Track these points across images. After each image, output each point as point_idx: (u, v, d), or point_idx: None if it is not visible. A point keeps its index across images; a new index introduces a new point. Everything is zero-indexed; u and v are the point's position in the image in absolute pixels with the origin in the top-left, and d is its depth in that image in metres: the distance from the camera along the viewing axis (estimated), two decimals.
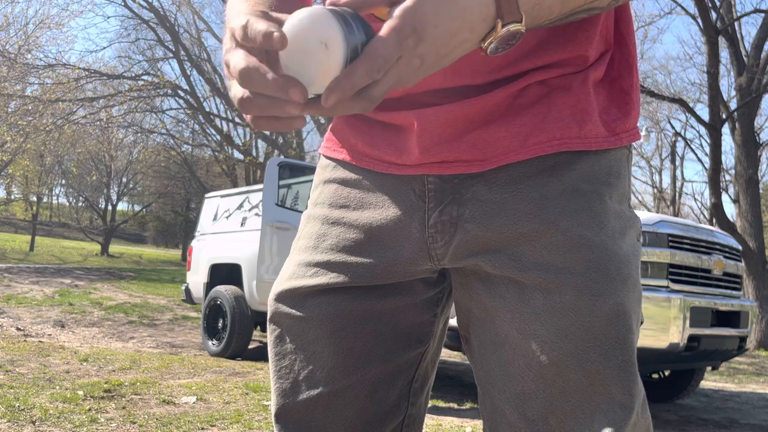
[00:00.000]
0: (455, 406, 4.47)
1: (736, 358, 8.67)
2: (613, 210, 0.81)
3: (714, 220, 11.41)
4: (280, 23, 0.61)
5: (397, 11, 0.59)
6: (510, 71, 0.79)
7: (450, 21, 0.60)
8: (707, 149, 15.79)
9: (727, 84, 22.79)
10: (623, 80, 0.84)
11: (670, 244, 4.28)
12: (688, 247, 4.40)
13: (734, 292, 4.80)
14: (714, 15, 11.08)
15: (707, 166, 12.77)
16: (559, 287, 0.76)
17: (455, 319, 0.88)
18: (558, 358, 0.76)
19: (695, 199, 44.85)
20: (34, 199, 35.37)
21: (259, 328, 6.92)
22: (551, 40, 0.79)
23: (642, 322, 0.83)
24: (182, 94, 18.99)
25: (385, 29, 0.58)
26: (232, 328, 6.23)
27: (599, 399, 0.76)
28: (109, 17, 41.05)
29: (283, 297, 0.88)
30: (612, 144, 0.82)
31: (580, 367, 0.76)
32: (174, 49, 19.77)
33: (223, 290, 6.46)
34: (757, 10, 12.25)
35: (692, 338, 4.18)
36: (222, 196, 7.39)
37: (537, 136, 0.79)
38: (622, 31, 0.86)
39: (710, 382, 7.10)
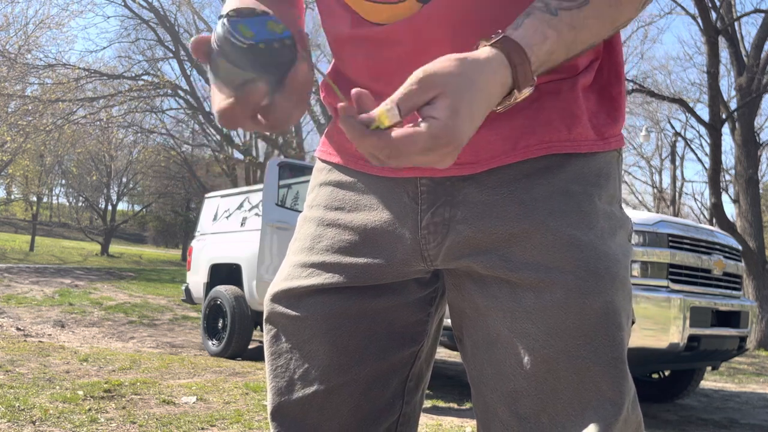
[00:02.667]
0: (455, 406, 4.47)
1: (736, 358, 8.66)
2: (602, 210, 0.82)
3: (714, 220, 11.41)
4: None
5: (435, 127, 0.63)
6: None
7: (481, 110, 0.67)
8: (707, 149, 15.80)
9: (727, 84, 22.81)
10: (612, 87, 0.86)
11: (670, 244, 4.28)
12: (688, 247, 4.40)
13: (734, 292, 4.80)
14: (714, 15, 11.08)
15: (707, 166, 12.77)
16: (549, 286, 0.77)
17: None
18: (549, 355, 0.77)
19: (695, 199, 44.82)
20: (34, 199, 35.38)
21: (258, 328, 6.92)
22: None
23: (633, 321, 0.84)
24: (182, 94, 18.98)
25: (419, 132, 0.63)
26: (232, 328, 6.23)
27: (590, 396, 0.77)
28: (109, 17, 40.93)
29: (279, 297, 0.89)
30: (601, 147, 0.84)
31: (571, 365, 0.77)
32: (174, 49, 19.76)
33: (223, 290, 6.47)
34: (757, 10, 12.26)
35: (692, 338, 4.18)
36: (222, 196, 7.40)
37: (527, 139, 0.81)
38: (611, 41, 0.87)
39: (710, 382, 7.10)
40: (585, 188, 0.81)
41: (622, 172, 0.92)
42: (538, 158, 0.81)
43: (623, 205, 0.92)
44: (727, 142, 13.71)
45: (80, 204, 44.30)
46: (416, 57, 0.80)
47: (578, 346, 0.77)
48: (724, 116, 11.37)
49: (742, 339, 4.74)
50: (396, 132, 0.62)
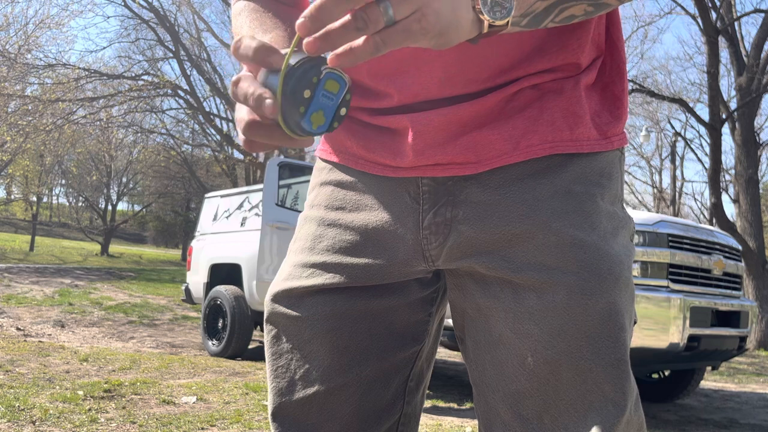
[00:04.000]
0: (455, 406, 4.47)
1: (736, 358, 8.67)
2: (605, 211, 0.82)
3: (714, 220, 11.41)
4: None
5: None
6: (503, 80, 0.80)
7: None
8: (707, 149, 15.81)
9: (727, 84, 22.78)
10: (615, 85, 0.86)
11: (670, 244, 4.28)
12: (688, 247, 4.40)
13: (734, 292, 4.80)
14: (714, 15, 11.08)
15: (707, 166, 12.77)
16: (551, 287, 0.77)
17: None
18: (551, 357, 0.77)
19: (695, 199, 44.89)
20: (34, 199, 35.39)
21: (258, 328, 6.92)
22: (543, 48, 0.80)
23: (635, 322, 0.84)
24: (182, 94, 18.98)
25: None
26: (232, 328, 6.23)
27: (592, 397, 0.77)
28: (109, 17, 41.01)
29: (280, 297, 0.89)
30: (603, 147, 0.83)
31: (574, 366, 0.77)
32: (174, 49, 19.76)
33: (223, 290, 6.47)
34: (757, 10, 12.25)
35: (692, 338, 4.18)
36: (222, 196, 7.39)
37: (529, 139, 0.80)
38: (613, 37, 0.87)
39: (710, 382, 7.10)
40: (587, 188, 0.81)
41: (624, 171, 0.92)
42: (540, 158, 0.81)
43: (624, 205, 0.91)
44: (727, 142, 13.72)
45: (80, 204, 44.35)
46: (415, 55, 0.80)
47: (581, 347, 0.77)
48: (724, 116, 11.36)
49: (742, 339, 4.74)
50: None
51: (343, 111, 0.64)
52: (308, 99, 0.62)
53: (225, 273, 6.82)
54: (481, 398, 0.85)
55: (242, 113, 0.66)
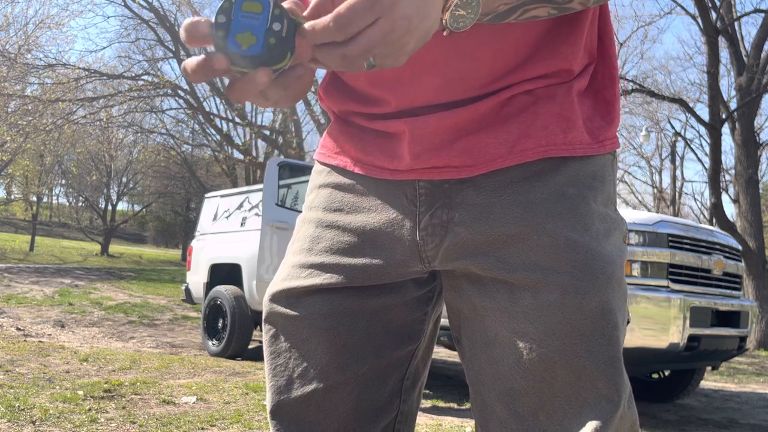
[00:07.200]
0: (455, 406, 4.48)
1: (736, 358, 8.67)
2: (597, 212, 0.84)
3: (714, 220, 11.41)
4: None
5: None
6: (498, 86, 0.82)
7: None
8: (707, 149, 15.79)
9: (727, 84, 22.75)
10: (606, 91, 0.88)
11: (670, 244, 4.28)
12: (688, 247, 4.40)
13: (734, 292, 4.80)
14: (714, 15, 11.07)
15: (707, 166, 12.77)
16: (546, 286, 0.79)
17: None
18: (546, 355, 0.79)
19: (695, 199, 44.93)
20: (34, 199, 35.38)
21: (258, 328, 6.92)
22: (537, 55, 0.83)
23: (628, 321, 0.86)
24: (182, 94, 18.97)
25: None
26: (232, 328, 6.23)
27: (586, 394, 0.78)
28: (109, 17, 40.92)
29: (278, 297, 0.91)
30: (596, 150, 0.85)
31: (568, 364, 0.78)
32: (174, 49, 19.76)
33: (223, 290, 6.47)
34: (757, 10, 12.25)
35: (692, 338, 4.18)
36: (222, 196, 7.40)
37: (524, 143, 0.82)
38: (605, 45, 0.89)
39: (710, 382, 7.10)
40: (580, 191, 0.83)
41: (620, 172, 0.93)
42: (534, 161, 0.83)
43: (621, 206, 0.92)
44: (727, 142, 13.71)
45: (80, 204, 44.37)
46: (413, 62, 0.81)
47: (575, 345, 0.78)
48: (724, 116, 11.36)
49: (742, 339, 4.74)
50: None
51: (276, 26, 0.62)
52: (226, 23, 0.61)
53: (225, 273, 6.82)
54: (478, 397, 0.86)
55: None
